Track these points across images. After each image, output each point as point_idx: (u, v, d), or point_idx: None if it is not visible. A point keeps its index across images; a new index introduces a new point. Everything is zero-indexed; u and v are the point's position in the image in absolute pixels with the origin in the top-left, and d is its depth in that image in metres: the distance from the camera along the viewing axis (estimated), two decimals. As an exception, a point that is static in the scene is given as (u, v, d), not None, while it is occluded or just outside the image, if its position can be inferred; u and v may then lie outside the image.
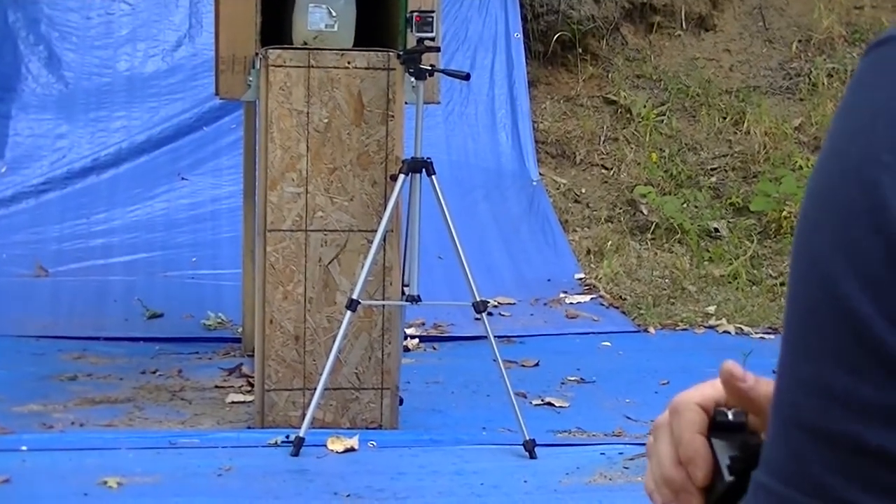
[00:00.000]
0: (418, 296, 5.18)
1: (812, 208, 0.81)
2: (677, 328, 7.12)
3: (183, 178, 7.95)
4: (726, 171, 8.71)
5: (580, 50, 9.20)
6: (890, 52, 0.80)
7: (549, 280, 7.63)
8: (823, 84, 9.15)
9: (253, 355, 5.68)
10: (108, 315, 6.81)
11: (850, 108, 0.82)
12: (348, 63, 5.27)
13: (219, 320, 6.74)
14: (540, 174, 8.54)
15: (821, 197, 0.81)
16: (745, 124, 8.89)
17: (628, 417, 5.68)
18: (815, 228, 0.80)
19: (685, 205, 8.32)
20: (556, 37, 9.11)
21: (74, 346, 6.38)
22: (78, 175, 7.86)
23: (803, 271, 0.81)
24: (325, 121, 5.27)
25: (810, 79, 9.23)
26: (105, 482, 4.70)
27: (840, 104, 0.83)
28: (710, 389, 1.00)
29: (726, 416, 0.98)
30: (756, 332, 7.02)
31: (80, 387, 5.84)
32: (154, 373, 6.08)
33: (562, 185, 8.58)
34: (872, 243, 0.76)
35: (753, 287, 7.64)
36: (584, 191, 8.59)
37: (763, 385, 0.98)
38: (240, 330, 6.46)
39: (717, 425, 0.98)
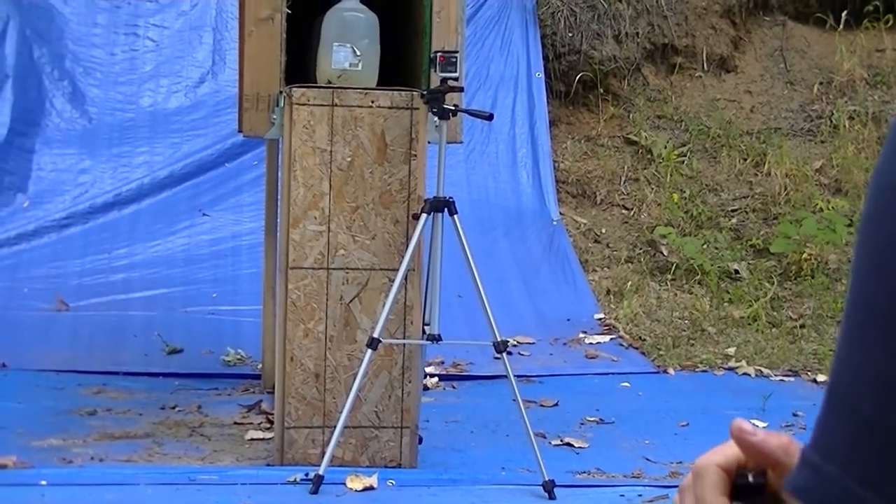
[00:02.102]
0: (439, 335, 5.18)
1: (881, 203, 0.83)
2: (697, 369, 7.11)
3: (204, 214, 7.98)
4: (747, 212, 8.71)
5: (601, 90, 9.22)
6: None
7: (568, 320, 7.63)
8: (845, 126, 9.16)
9: (272, 392, 5.69)
10: (128, 350, 6.83)
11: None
12: (372, 102, 5.30)
13: (238, 356, 6.75)
14: (560, 213, 8.56)
15: (887, 194, 0.82)
16: (766, 166, 8.90)
17: (647, 459, 5.67)
18: (884, 218, 0.82)
19: (705, 246, 8.32)
20: (577, 77, 9.14)
21: (94, 381, 6.40)
22: (100, 210, 7.89)
23: (866, 263, 0.83)
24: (348, 159, 5.29)
25: (831, 121, 9.24)
26: (124, 518, 4.71)
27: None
28: (732, 450, 1.01)
29: (747, 478, 1.00)
30: (776, 375, 7.00)
31: (99, 422, 5.85)
32: (173, 408, 6.09)
33: (582, 225, 8.59)
34: None
35: (773, 329, 7.62)
36: (604, 231, 8.59)
37: (774, 438, 0.99)
38: (259, 366, 6.47)
39: (737, 489, 0.99)
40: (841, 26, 9.64)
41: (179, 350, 6.82)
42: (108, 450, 5.50)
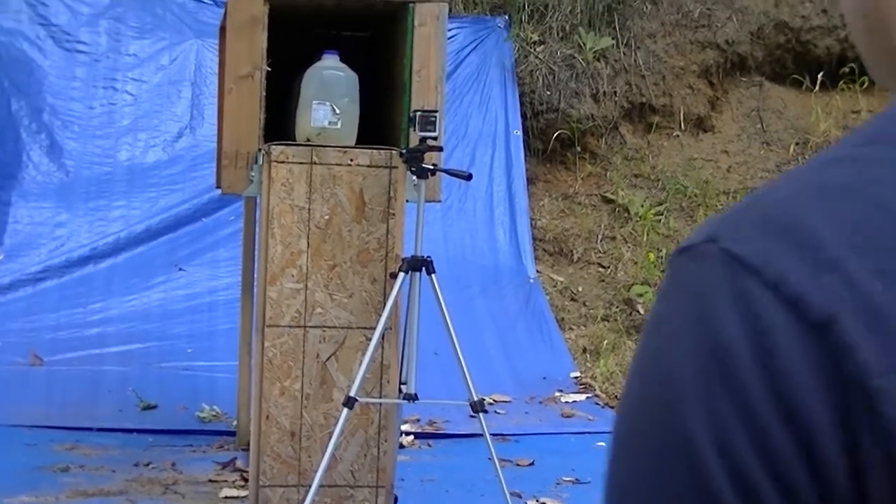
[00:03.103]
0: (415, 394, 5.17)
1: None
2: (673, 429, 7.09)
3: (180, 269, 7.97)
4: (723, 271, 8.73)
5: (579, 148, 9.27)
6: (686, 264, 0.83)
7: (544, 378, 7.63)
8: (820, 187, 9.20)
9: (247, 449, 5.66)
10: (102, 405, 6.80)
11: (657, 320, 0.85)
12: (351, 160, 5.31)
13: (213, 413, 6.73)
14: (537, 271, 8.58)
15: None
16: (743, 225, 8.92)
17: (623, 520, 5.64)
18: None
19: (682, 305, 8.33)
20: (555, 135, 9.19)
21: (67, 437, 6.37)
22: (76, 264, 7.88)
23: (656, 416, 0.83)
24: (327, 217, 5.29)
25: (807, 181, 9.28)
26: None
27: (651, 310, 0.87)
28: None
29: None
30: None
31: (72, 478, 5.82)
32: (147, 465, 6.06)
33: (559, 283, 8.61)
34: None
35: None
36: (580, 289, 8.61)
37: None
38: (234, 423, 6.45)
39: None
40: (817, 87, 9.72)
41: (154, 406, 6.80)
42: (80, 507, 5.47)
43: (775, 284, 0.78)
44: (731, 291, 0.79)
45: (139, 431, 6.53)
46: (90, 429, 6.50)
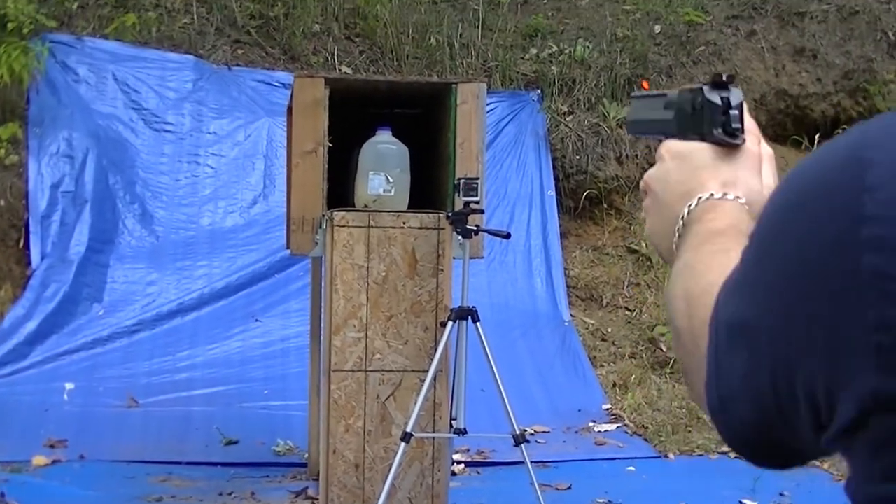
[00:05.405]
0: (465, 428, 5.16)
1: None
2: (694, 454, 7.04)
3: (257, 320, 7.99)
4: (736, 312, 8.67)
5: (606, 205, 9.25)
6: None
7: (579, 410, 7.59)
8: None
9: (318, 479, 5.65)
10: (191, 442, 6.80)
11: None
12: (403, 223, 5.32)
13: (287, 447, 6.72)
14: (571, 315, 8.54)
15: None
16: (752, 271, 8.87)
17: (652, 537, 5.60)
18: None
19: (700, 342, 8.27)
20: (584, 194, 9.17)
21: (161, 470, 6.38)
22: (165, 317, 7.91)
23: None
24: (383, 274, 5.30)
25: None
26: None
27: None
28: None
29: None
30: (765, 458, 6.92)
31: (165, 507, 5.83)
32: (230, 495, 6.06)
33: (590, 325, 8.57)
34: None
35: (762, 416, 7.55)
36: (610, 330, 8.57)
37: None
38: (306, 456, 6.43)
39: None
40: (814, 147, 9.65)
41: (235, 441, 6.79)
42: (172, 533, 5.47)
43: None
44: None
45: (223, 465, 6.53)
46: (180, 462, 6.50)
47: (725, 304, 0.99)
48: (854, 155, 0.87)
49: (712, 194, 1.24)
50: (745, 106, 1.29)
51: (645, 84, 1.42)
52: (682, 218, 1.25)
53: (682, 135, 1.30)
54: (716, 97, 1.27)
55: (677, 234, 1.25)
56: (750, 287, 0.95)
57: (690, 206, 1.25)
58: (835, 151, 0.91)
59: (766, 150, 1.32)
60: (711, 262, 1.14)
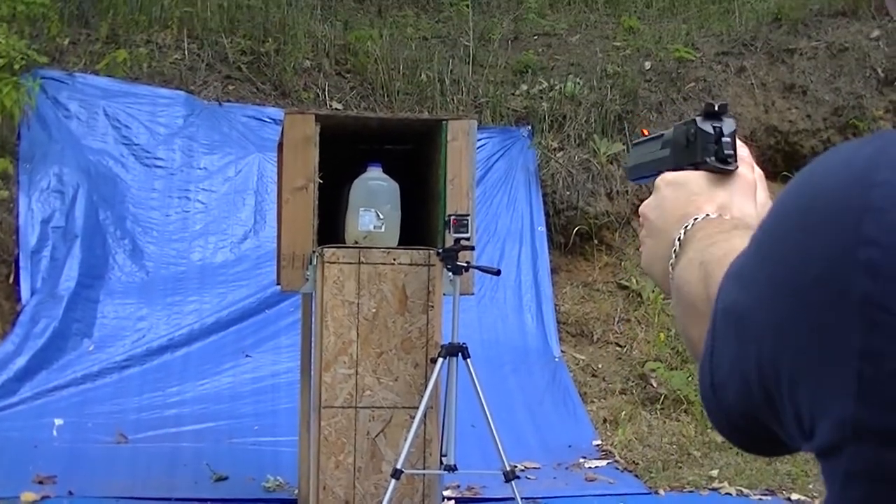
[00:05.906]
0: (455, 465, 5.16)
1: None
2: (684, 490, 7.03)
3: (247, 356, 7.98)
4: (726, 347, 8.67)
5: (596, 241, 9.27)
6: None
7: (569, 446, 7.58)
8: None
9: (308, 516, 5.64)
10: (180, 478, 6.78)
11: None
12: (394, 260, 5.34)
13: (277, 483, 6.70)
14: (561, 351, 8.54)
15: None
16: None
17: (642, 574, 5.59)
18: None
19: (690, 378, 8.29)
20: (575, 230, 9.19)
21: (150, 507, 6.36)
22: (155, 353, 7.90)
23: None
24: (374, 310, 5.31)
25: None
26: None
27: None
28: None
29: None
30: (755, 494, 6.93)
31: (154, 544, 5.80)
32: (220, 531, 6.05)
33: (581, 361, 8.58)
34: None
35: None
36: (600, 366, 8.58)
37: None
38: (296, 492, 6.41)
39: None
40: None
41: (225, 477, 6.78)
42: (161, 570, 5.44)
43: None
44: None
45: (212, 501, 6.50)
46: (169, 499, 6.48)
47: (726, 291, 0.99)
48: (865, 175, 0.86)
49: (708, 215, 1.26)
50: (737, 134, 1.32)
51: (644, 132, 1.45)
52: (679, 239, 1.27)
53: (678, 167, 1.33)
54: (708, 126, 1.31)
55: (674, 255, 1.27)
56: (748, 280, 0.95)
57: (686, 227, 1.26)
58: (849, 163, 0.89)
59: (758, 171, 1.35)
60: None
